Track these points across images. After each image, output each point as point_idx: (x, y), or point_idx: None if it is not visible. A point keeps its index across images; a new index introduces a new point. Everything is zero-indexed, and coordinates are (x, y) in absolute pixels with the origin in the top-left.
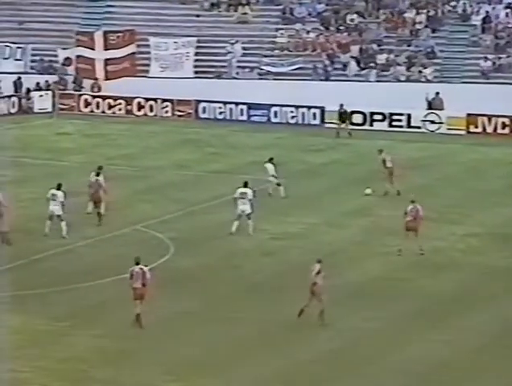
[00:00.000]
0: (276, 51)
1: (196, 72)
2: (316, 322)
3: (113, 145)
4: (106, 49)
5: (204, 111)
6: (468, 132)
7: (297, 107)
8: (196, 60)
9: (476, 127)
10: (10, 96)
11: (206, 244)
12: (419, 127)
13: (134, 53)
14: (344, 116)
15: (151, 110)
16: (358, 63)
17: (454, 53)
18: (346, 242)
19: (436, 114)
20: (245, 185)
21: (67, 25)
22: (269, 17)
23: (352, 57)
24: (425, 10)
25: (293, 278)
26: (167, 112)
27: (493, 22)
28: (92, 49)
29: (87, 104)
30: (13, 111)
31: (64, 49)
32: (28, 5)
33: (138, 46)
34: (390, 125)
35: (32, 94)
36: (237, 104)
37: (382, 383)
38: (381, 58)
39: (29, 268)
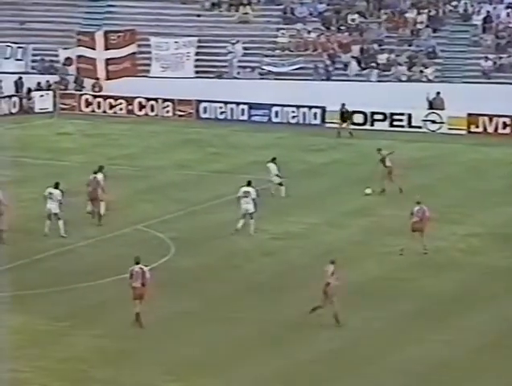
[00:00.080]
0: (277, 51)
1: (197, 72)
2: (317, 322)
3: (114, 145)
4: (107, 49)
5: (205, 111)
6: (469, 132)
7: (298, 107)
8: (197, 60)
9: (477, 127)
10: (10, 96)
11: (207, 244)
12: (419, 127)
13: (134, 53)
14: (345, 115)
15: (152, 110)
16: (359, 63)
17: (455, 53)
18: (347, 242)
19: (437, 114)
20: (249, 184)
21: (68, 25)
22: (270, 17)
23: (353, 57)
24: (426, 10)
25: (293, 278)
26: (168, 112)
27: (494, 21)
28: (93, 49)
29: (88, 103)
30: (14, 111)
31: (65, 49)
32: (29, 5)
33: (139, 46)
34: (391, 125)
35: (33, 94)
36: (238, 103)
37: (382, 383)
38: (382, 58)
39: (29, 268)
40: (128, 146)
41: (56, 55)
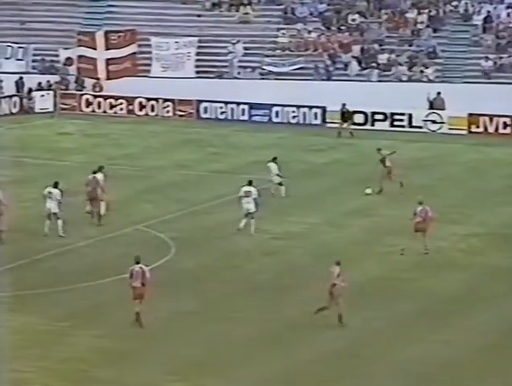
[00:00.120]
0: (277, 51)
1: (198, 72)
2: (317, 323)
3: (114, 145)
4: (108, 49)
5: (205, 111)
6: (470, 132)
7: (298, 107)
8: (198, 60)
9: (478, 127)
10: (11, 96)
11: (207, 243)
12: (420, 127)
13: (135, 53)
14: (346, 115)
15: (153, 110)
16: (360, 63)
17: (455, 53)
18: (347, 242)
19: (438, 114)
20: (250, 183)
21: (68, 25)
22: (270, 17)
23: (353, 57)
24: (426, 10)
25: (294, 278)
26: (168, 112)
27: (495, 21)
28: (94, 49)
29: (88, 103)
30: (14, 111)
31: (66, 49)
32: (30, 5)
33: (140, 46)
34: (392, 125)
35: (34, 94)
36: (238, 103)
37: (383, 383)
38: (383, 58)
39: (30, 268)
40: (128, 146)
41: (57, 55)
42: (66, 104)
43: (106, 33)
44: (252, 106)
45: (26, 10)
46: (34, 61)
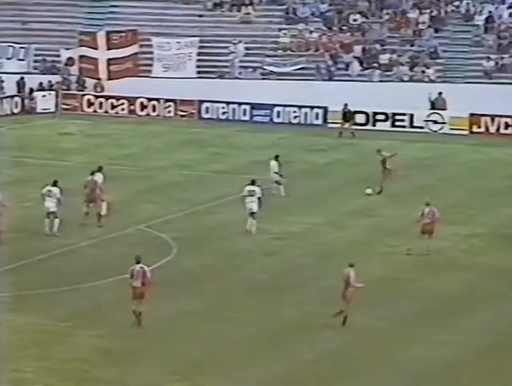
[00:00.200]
0: (279, 51)
1: (199, 72)
2: (318, 323)
3: (115, 145)
4: (109, 49)
5: (206, 111)
6: (471, 132)
7: (300, 107)
8: (199, 60)
9: (479, 127)
10: (12, 96)
11: (209, 244)
12: (421, 127)
13: (136, 53)
14: (348, 115)
15: (154, 110)
16: (361, 63)
17: (457, 53)
18: (348, 242)
19: (439, 114)
20: (253, 183)
21: (70, 25)
22: (272, 17)
23: (355, 57)
24: (428, 10)
25: (295, 278)
26: (169, 112)
27: (496, 22)
28: (95, 49)
29: (90, 104)
30: (16, 111)
31: (67, 49)
32: (31, 5)
33: (141, 46)
34: (393, 125)
35: (35, 94)
36: (239, 104)
37: (384, 383)
38: (384, 58)
39: (31, 268)
40: (130, 146)
41: (58, 56)
42: (67, 105)
43: (108, 33)
44: (253, 106)
45: (27, 10)
46: (35, 61)
